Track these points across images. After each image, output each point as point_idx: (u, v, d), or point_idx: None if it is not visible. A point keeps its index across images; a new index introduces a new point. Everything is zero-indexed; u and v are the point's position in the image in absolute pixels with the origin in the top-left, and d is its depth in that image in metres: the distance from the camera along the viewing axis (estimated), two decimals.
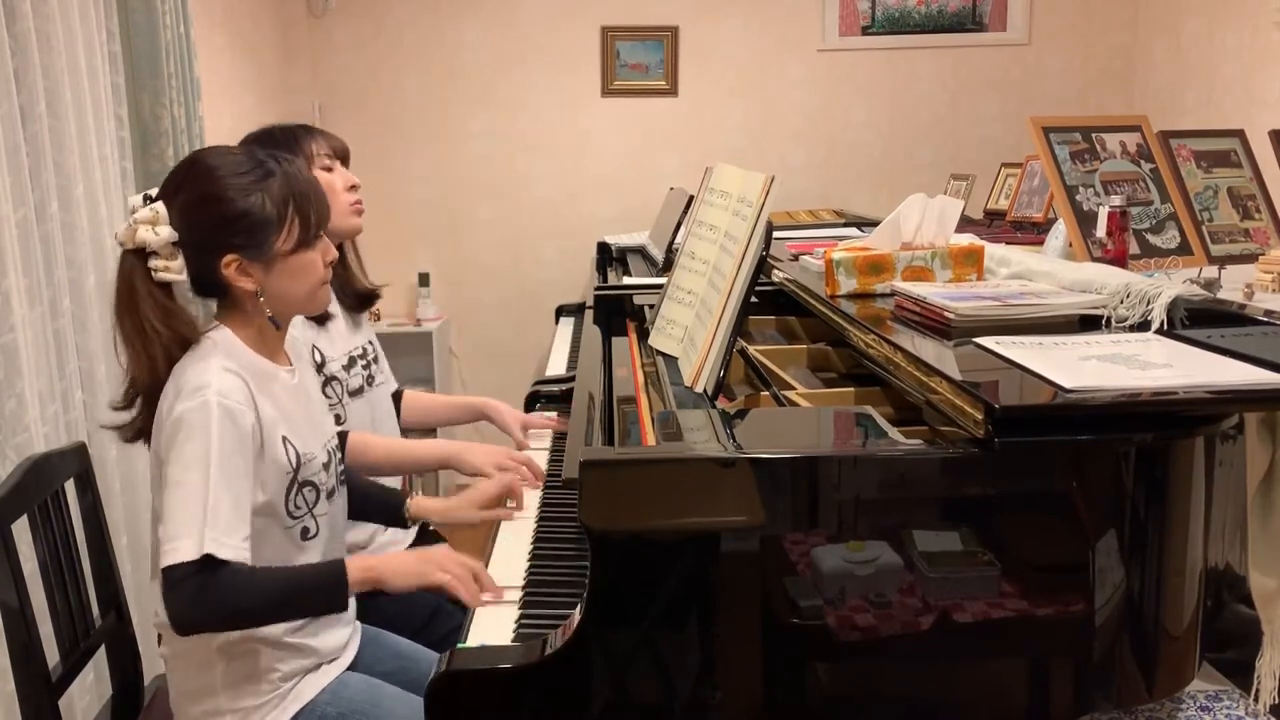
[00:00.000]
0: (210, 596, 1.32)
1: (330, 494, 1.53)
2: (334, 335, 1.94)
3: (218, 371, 1.38)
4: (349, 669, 1.58)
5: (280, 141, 1.86)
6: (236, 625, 1.40)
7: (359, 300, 2.03)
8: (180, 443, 1.34)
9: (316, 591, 1.42)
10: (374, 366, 2.05)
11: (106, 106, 2.36)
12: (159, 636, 1.52)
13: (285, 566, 1.47)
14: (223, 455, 1.33)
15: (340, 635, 1.56)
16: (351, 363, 1.97)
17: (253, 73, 3.64)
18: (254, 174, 1.42)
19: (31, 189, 2.06)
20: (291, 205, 1.43)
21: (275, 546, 1.43)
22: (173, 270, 1.41)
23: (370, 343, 2.06)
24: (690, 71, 4.17)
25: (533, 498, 1.83)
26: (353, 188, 1.95)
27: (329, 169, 1.92)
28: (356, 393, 1.97)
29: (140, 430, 1.47)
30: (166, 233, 1.40)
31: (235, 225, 1.40)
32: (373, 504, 1.74)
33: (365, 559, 1.46)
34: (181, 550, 1.30)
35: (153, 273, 1.41)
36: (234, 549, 1.32)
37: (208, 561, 1.30)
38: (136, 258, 1.42)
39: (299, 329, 1.81)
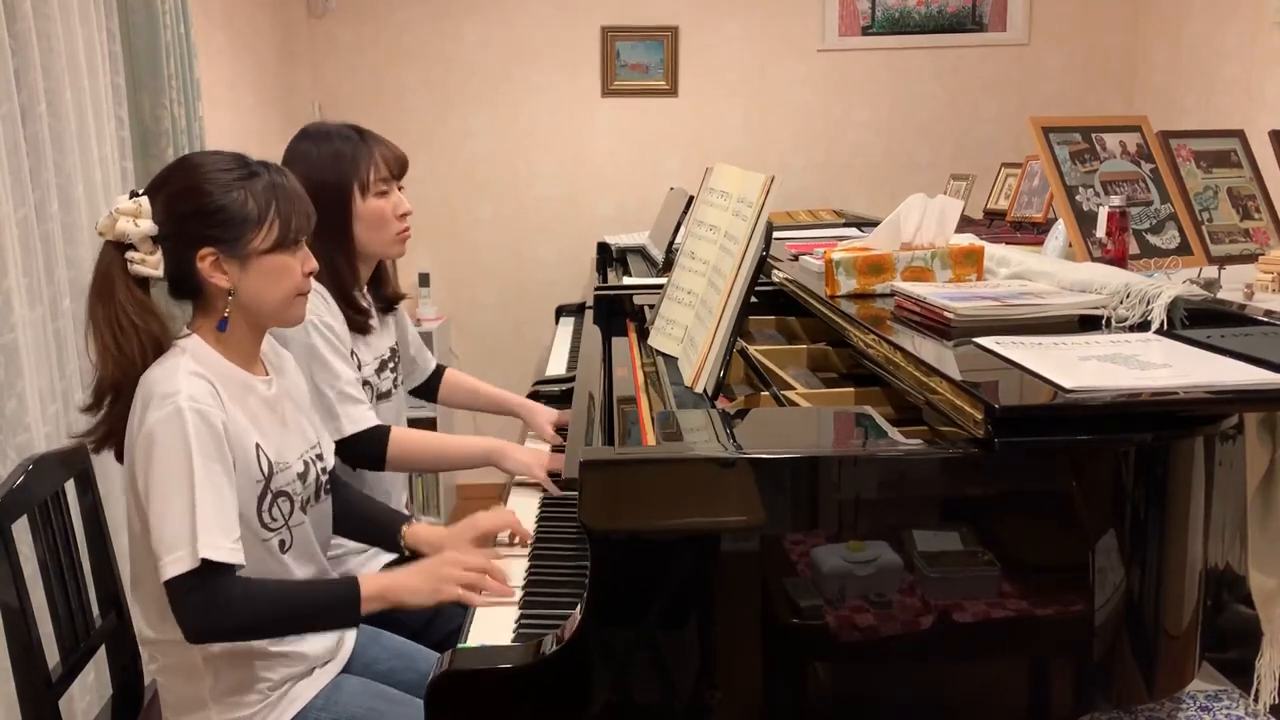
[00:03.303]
0: (220, 604, 1.32)
1: (305, 505, 1.51)
2: (371, 342, 1.95)
3: (185, 376, 1.36)
4: (345, 670, 1.58)
5: (339, 146, 1.83)
6: (249, 635, 1.40)
7: (390, 303, 2.05)
8: (158, 455, 1.33)
9: (329, 610, 1.43)
10: (399, 370, 2.07)
11: (106, 106, 2.36)
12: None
13: (298, 580, 1.48)
14: (202, 459, 1.33)
15: (329, 638, 1.55)
16: (382, 366, 1.99)
17: (253, 73, 3.64)
18: (239, 172, 1.42)
19: (31, 189, 2.06)
20: (274, 206, 1.42)
21: (255, 558, 1.42)
22: (149, 264, 1.41)
23: (394, 345, 2.07)
24: (690, 71, 4.16)
25: (532, 500, 1.83)
26: (403, 215, 1.92)
27: (384, 193, 1.88)
28: (385, 396, 1.99)
29: (108, 434, 1.45)
30: (146, 226, 1.40)
31: (213, 217, 1.40)
32: (370, 527, 1.72)
33: (380, 579, 1.46)
34: (180, 562, 1.30)
35: (129, 264, 1.41)
36: (228, 550, 1.32)
37: (207, 568, 1.30)
38: (115, 250, 1.42)
39: (335, 319, 1.83)
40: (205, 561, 1.30)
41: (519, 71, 4.15)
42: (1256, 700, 1.46)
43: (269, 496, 1.44)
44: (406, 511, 1.77)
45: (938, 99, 4.19)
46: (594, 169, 4.22)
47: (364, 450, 1.85)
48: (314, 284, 1.78)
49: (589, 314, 2.46)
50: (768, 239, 1.61)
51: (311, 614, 1.43)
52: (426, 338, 4.04)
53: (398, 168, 1.91)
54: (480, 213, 4.25)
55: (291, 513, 1.48)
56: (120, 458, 1.45)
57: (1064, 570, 1.23)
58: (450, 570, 1.46)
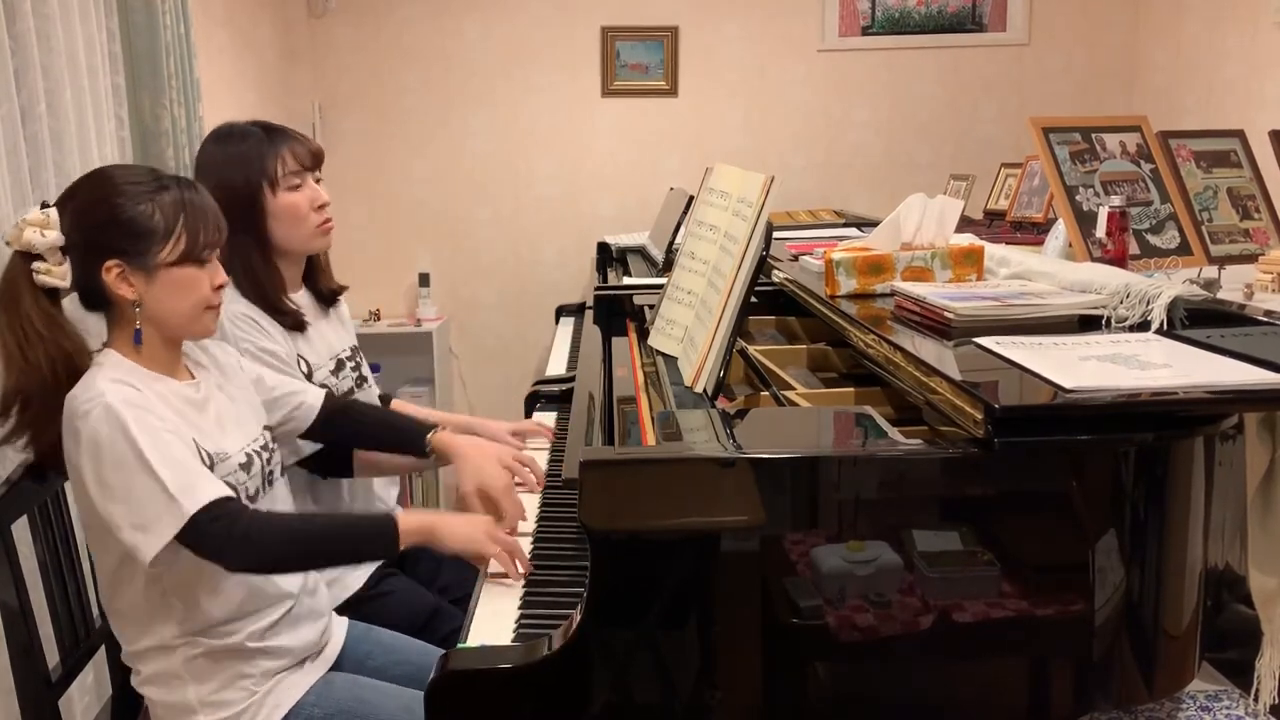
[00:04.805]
0: (240, 536, 1.35)
1: (253, 497, 1.51)
2: (314, 340, 1.91)
3: (106, 383, 1.36)
4: (335, 667, 1.58)
5: (244, 146, 1.79)
6: (289, 564, 1.45)
7: (329, 296, 2.00)
8: (103, 454, 1.33)
9: (367, 539, 1.46)
10: (362, 367, 2.05)
11: (106, 106, 2.36)
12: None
13: (331, 514, 1.55)
14: (145, 434, 1.33)
15: (311, 631, 1.55)
16: (340, 365, 1.96)
17: (253, 73, 3.64)
18: (149, 185, 1.42)
19: (31, 189, 2.06)
20: (181, 220, 1.41)
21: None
22: (55, 275, 1.40)
23: (354, 345, 2.05)
24: (690, 71, 4.17)
25: (532, 500, 1.83)
26: (321, 206, 1.85)
27: (296, 187, 1.82)
28: (348, 395, 1.97)
29: (30, 443, 1.44)
30: (53, 236, 1.39)
31: (119, 229, 1.39)
32: (394, 433, 1.75)
33: (423, 514, 1.48)
34: (167, 528, 1.32)
35: (35, 275, 1.40)
36: (208, 491, 1.34)
37: (204, 513, 1.32)
38: (21, 260, 1.41)
39: (279, 341, 1.81)
40: (195, 514, 1.32)
41: (519, 71, 4.15)
42: (1256, 700, 1.46)
43: None
44: (403, 507, 1.77)
45: (938, 99, 4.20)
46: (594, 169, 4.22)
47: (330, 465, 1.86)
48: (243, 304, 1.78)
49: (589, 314, 2.46)
50: (768, 239, 1.61)
51: (348, 542, 1.46)
52: (426, 338, 4.05)
53: (310, 159, 1.85)
54: (480, 213, 4.25)
55: None
56: (43, 466, 1.45)
57: (1064, 570, 1.23)
58: (494, 532, 1.48)
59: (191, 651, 1.42)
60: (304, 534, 1.44)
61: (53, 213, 1.41)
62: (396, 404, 2.21)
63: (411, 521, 1.44)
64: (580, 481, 1.20)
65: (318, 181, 1.88)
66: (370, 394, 2.07)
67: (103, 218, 1.40)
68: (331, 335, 1.98)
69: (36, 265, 1.40)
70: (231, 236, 1.76)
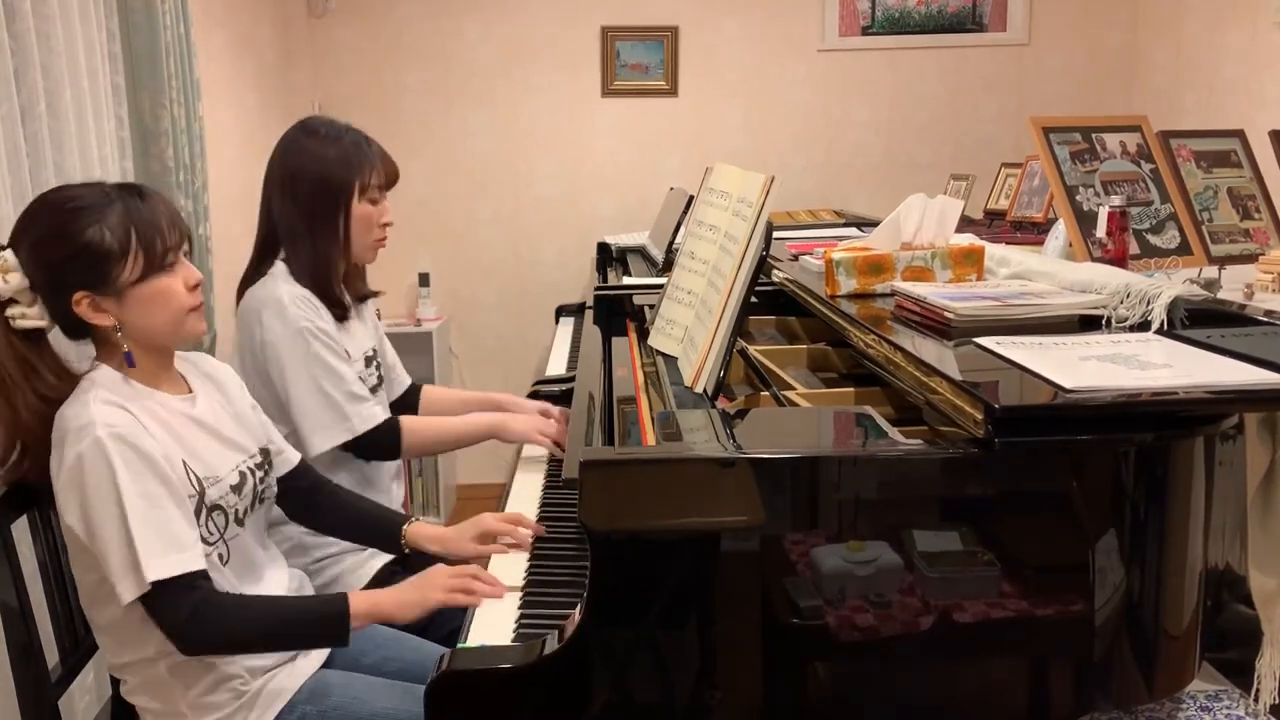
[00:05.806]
0: (199, 615, 1.34)
1: (241, 518, 1.50)
2: (354, 334, 1.98)
3: (97, 406, 1.35)
4: (328, 665, 1.58)
5: (345, 141, 1.89)
6: (239, 648, 1.42)
7: (362, 298, 2.07)
8: (87, 489, 1.32)
9: (318, 625, 1.44)
10: (383, 368, 2.09)
11: (106, 106, 2.36)
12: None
13: (286, 596, 1.51)
14: (131, 478, 1.32)
15: None
16: (368, 362, 2.01)
17: (253, 73, 3.64)
18: (93, 208, 1.37)
19: (31, 189, 2.06)
20: (133, 234, 1.37)
21: None
22: (31, 317, 1.39)
23: (375, 347, 2.08)
24: (690, 71, 4.16)
25: (532, 501, 1.83)
26: (385, 225, 1.97)
27: (375, 201, 1.94)
28: (373, 391, 1.99)
29: (35, 478, 1.43)
30: (17, 280, 1.37)
31: (76, 261, 1.36)
32: (369, 529, 1.74)
33: (370, 594, 1.49)
34: (130, 589, 1.32)
35: (11, 321, 1.38)
36: (176, 562, 1.33)
37: (164, 586, 1.32)
38: None
39: (328, 324, 1.86)
40: (156, 582, 1.32)
41: (519, 71, 4.15)
42: (1256, 700, 1.46)
43: (204, 512, 1.43)
44: (404, 511, 1.78)
45: (938, 99, 4.19)
46: (594, 169, 4.22)
47: (381, 444, 1.91)
48: (299, 287, 1.83)
49: (589, 314, 2.46)
50: (768, 239, 1.61)
51: (300, 629, 1.45)
52: (426, 338, 4.05)
53: (392, 179, 1.99)
54: (480, 213, 4.25)
55: (226, 526, 1.47)
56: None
57: (1064, 570, 1.23)
58: (437, 579, 1.49)
59: (175, 659, 1.41)
60: (255, 620, 1.40)
61: (9, 255, 1.38)
62: (428, 390, 2.27)
63: (361, 604, 1.44)
64: (580, 481, 1.20)
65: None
66: (382, 398, 2.08)
67: (56, 253, 1.37)
68: (361, 334, 2.04)
69: (11, 311, 1.38)
70: (315, 224, 1.86)
